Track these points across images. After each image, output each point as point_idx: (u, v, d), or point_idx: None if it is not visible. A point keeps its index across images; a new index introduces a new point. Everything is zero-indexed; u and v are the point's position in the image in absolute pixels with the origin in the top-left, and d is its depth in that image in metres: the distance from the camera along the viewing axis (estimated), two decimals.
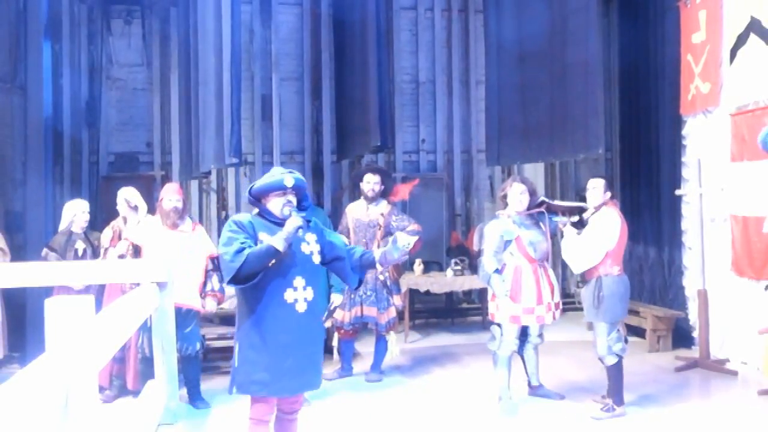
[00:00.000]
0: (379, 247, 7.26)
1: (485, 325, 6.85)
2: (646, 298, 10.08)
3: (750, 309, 7.85)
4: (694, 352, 8.62)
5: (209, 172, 10.30)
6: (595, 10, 8.52)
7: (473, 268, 7.86)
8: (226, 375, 7.78)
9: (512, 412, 6.57)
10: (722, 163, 8.31)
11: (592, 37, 8.55)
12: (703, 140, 8.75)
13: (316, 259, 4.47)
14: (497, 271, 6.54)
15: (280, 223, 4.33)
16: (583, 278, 6.59)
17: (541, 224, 6.73)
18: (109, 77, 11.37)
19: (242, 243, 4.20)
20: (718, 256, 8.42)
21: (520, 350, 6.95)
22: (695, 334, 8.79)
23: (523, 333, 6.85)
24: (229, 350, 7.92)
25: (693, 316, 8.89)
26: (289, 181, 4.38)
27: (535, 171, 12.36)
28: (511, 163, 11.22)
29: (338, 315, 7.64)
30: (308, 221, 4.42)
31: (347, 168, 11.73)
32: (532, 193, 6.80)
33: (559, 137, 9.07)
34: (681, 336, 9.15)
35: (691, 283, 9.00)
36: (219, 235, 10.76)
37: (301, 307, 4.33)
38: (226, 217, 11.43)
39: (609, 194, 6.56)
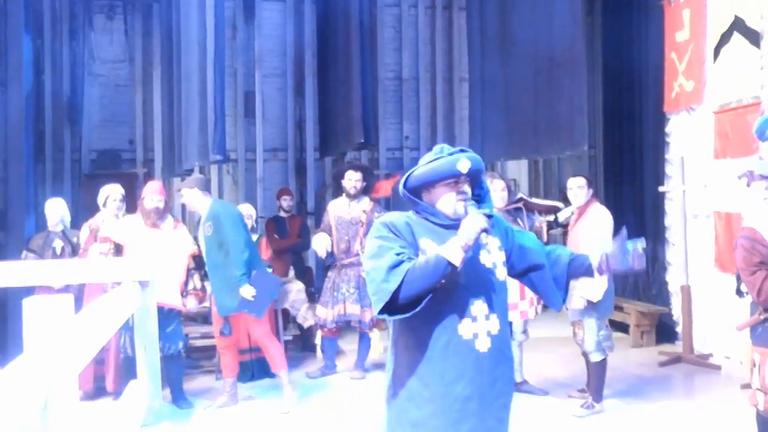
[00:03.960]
0: (361, 245, 7.25)
1: None
2: (629, 294, 10.10)
3: (733, 304, 7.88)
4: (678, 347, 8.66)
5: (192, 170, 10.23)
6: (579, 8, 8.54)
7: None
8: (210, 374, 7.83)
9: None
10: (706, 161, 8.34)
11: (577, 35, 8.57)
12: (687, 137, 8.78)
13: (501, 273, 3.15)
14: None
15: (450, 225, 3.04)
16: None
17: (519, 220, 6.76)
18: (91, 73, 11.30)
19: (398, 254, 2.92)
20: (701, 252, 8.45)
21: None
22: (679, 329, 8.82)
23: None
24: (213, 349, 7.96)
25: (676, 312, 8.93)
26: (464, 165, 3.04)
27: (519, 168, 12.40)
28: (494, 160, 11.21)
29: (321, 313, 7.63)
30: (489, 215, 3.04)
31: (330, 165, 11.70)
32: (510, 190, 6.85)
33: (544, 134, 9.08)
34: (665, 331, 9.19)
35: (674, 279, 9.03)
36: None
37: (483, 345, 3.03)
38: None
39: (591, 191, 6.57)
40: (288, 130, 11.74)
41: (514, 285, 6.49)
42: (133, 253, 6.40)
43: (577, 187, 6.51)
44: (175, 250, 6.62)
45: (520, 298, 6.60)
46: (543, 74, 9.07)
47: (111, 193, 7.09)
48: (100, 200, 7.17)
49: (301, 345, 8.87)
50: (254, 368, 7.61)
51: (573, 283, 6.21)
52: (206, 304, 7.27)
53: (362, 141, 9.31)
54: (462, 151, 3.10)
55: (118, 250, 6.66)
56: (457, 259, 2.82)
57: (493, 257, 3.11)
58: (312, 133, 11.66)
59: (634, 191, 10.19)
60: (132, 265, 5.65)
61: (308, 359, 8.44)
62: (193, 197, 6.56)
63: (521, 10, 9.51)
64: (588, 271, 3.32)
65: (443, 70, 12.29)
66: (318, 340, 8.16)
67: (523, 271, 3.30)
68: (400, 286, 2.82)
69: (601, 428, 6.17)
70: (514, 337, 6.94)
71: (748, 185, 4.86)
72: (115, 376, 6.90)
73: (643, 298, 9.87)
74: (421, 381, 3.02)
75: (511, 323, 6.79)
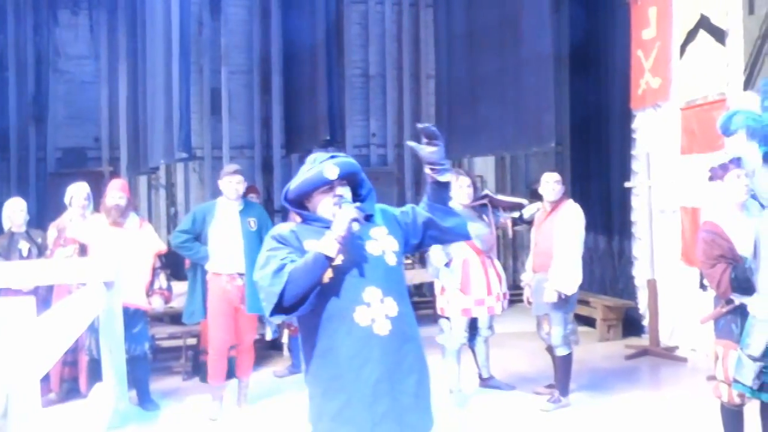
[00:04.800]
0: None
1: (436, 318, 6.86)
2: (596, 289, 10.16)
3: (698, 297, 7.97)
4: (644, 341, 8.76)
5: (158, 168, 10.15)
6: (546, 5, 8.57)
7: (423, 262, 7.91)
8: (177, 375, 7.77)
9: (463, 405, 6.61)
10: (672, 156, 8.43)
11: (544, 32, 8.60)
12: (653, 134, 8.86)
13: (391, 259, 3.27)
14: (446, 264, 6.55)
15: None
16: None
17: (484, 217, 6.79)
18: (56, 70, 11.14)
19: (282, 260, 3.10)
20: (667, 246, 8.54)
21: (471, 343, 6.99)
22: (645, 322, 8.93)
23: (473, 326, 6.88)
24: (179, 350, 7.91)
25: (643, 306, 9.02)
26: (331, 172, 3.21)
27: (486, 164, 12.43)
28: (461, 157, 11.25)
29: None
30: (365, 216, 3.21)
31: (297, 162, 11.63)
32: (475, 186, 6.88)
33: (511, 131, 9.12)
34: (631, 325, 9.28)
35: (640, 273, 9.12)
36: (168, 232, 10.65)
37: (382, 328, 3.14)
38: (176, 214, 11.29)
39: (562, 188, 6.61)
40: (254, 127, 11.67)
41: (480, 281, 6.55)
42: (98, 253, 6.32)
43: (553, 182, 6.55)
44: (140, 248, 6.54)
45: (486, 294, 6.62)
46: (510, 71, 9.09)
47: (75, 192, 7.00)
48: (66, 200, 7.07)
49: (268, 344, 8.82)
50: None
51: (543, 276, 6.32)
52: (173, 304, 7.20)
53: (328, 138, 9.30)
54: (333, 157, 3.28)
55: (83, 250, 6.57)
56: (332, 251, 3.01)
57: (382, 245, 3.25)
58: (279, 130, 11.59)
59: (601, 187, 10.26)
60: (96, 266, 5.58)
61: (275, 358, 8.40)
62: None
63: (488, 6, 9.52)
64: (434, 181, 3.31)
65: (410, 66, 12.26)
66: (285, 339, 8.13)
67: (422, 239, 3.41)
68: (285, 287, 3.00)
69: (568, 422, 6.23)
70: (480, 332, 6.99)
71: (711, 180, 4.93)
72: (86, 377, 6.81)
73: (609, 293, 9.95)
74: (330, 374, 3.16)
75: (477, 319, 6.84)
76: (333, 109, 9.38)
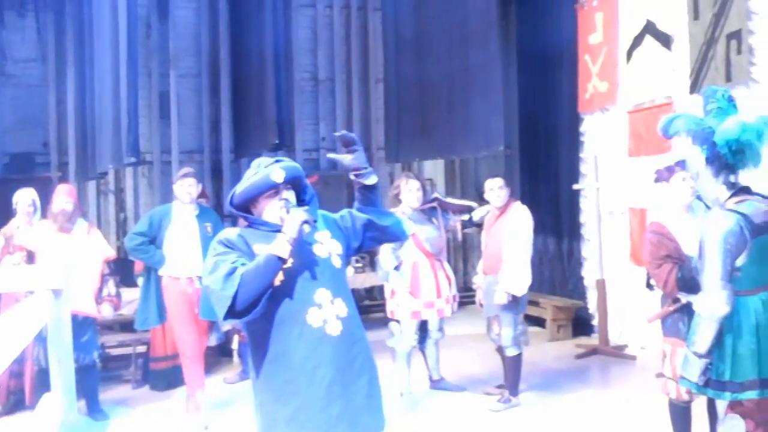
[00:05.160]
0: None
1: (386, 321, 6.88)
2: (546, 289, 10.25)
3: (647, 297, 8.09)
4: (594, 340, 8.87)
5: (106, 173, 10.00)
6: (494, 9, 8.65)
7: (373, 265, 7.95)
8: (127, 384, 7.66)
9: (413, 407, 6.63)
10: (620, 159, 8.55)
11: (492, 35, 8.69)
12: (601, 137, 8.98)
13: (337, 261, 3.33)
14: (396, 267, 6.56)
15: (280, 229, 3.16)
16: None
17: (433, 220, 6.82)
18: (3, 73, 10.90)
19: (233, 263, 3.10)
20: (616, 247, 8.66)
21: (422, 345, 7.02)
22: (595, 322, 9.04)
23: (423, 328, 6.91)
24: (129, 358, 7.78)
25: (592, 306, 9.13)
26: (277, 175, 3.25)
27: (435, 168, 12.47)
28: (410, 160, 11.27)
29: None
30: (314, 219, 3.26)
31: (246, 167, 11.50)
32: (425, 190, 6.91)
33: (460, 135, 9.18)
34: (581, 325, 9.40)
35: (589, 274, 9.24)
36: (118, 238, 10.47)
37: (334, 329, 3.19)
38: (125, 220, 11.13)
39: (509, 191, 6.67)
40: (204, 131, 11.55)
41: (430, 284, 6.58)
42: (45, 260, 6.21)
43: (498, 188, 6.59)
44: (88, 255, 6.44)
45: (436, 296, 6.67)
46: (458, 75, 9.16)
47: (20, 198, 6.86)
48: (14, 206, 6.94)
49: (217, 350, 8.73)
50: (170, 376, 7.45)
51: (493, 278, 6.37)
52: (123, 311, 7.10)
53: (277, 142, 9.26)
54: (278, 161, 3.34)
55: (31, 257, 6.45)
56: (284, 253, 3.06)
57: (327, 248, 3.32)
58: (228, 134, 11.48)
59: (550, 189, 10.36)
60: (44, 273, 5.48)
61: (225, 365, 8.32)
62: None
63: (435, 10, 9.57)
64: (366, 189, 3.39)
65: (359, 70, 12.24)
66: (235, 345, 8.06)
67: (362, 241, 3.47)
68: (237, 290, 3.02)
69: (517, 422, 6.30)
70: (430, 335, 7.02)
71: (656, 182, 5.03)
72: (32, 388, 6.67)
73: (559, 293, 10.05)
74: (283, 378, 3.17)
75: (427, 321, 6.87)
76: (282, 113, 9.36)
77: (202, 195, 9.31)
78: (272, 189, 3.27)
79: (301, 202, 3.34)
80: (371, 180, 3.38)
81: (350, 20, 12.25)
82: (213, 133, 11.58)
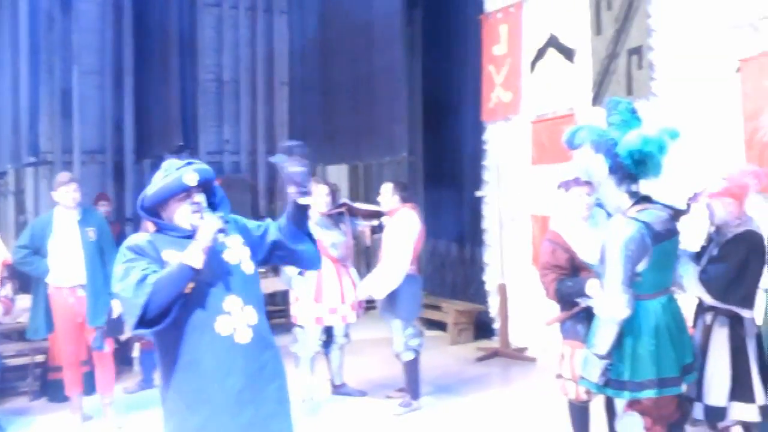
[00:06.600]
0: None
1: (290, 327, 6.87)
2: (448, 294, 10.41)
3: (546, 300, 8.33)
4: (495, 343, 9.05)
5: (5, 173, 9.66)
6: (399, 17, 8.75)
7: (277, 271, 7.94)
8: (24, 396, 7.39)
9: (315, 413, 6.65)
10: (523, 167, 8.76)
11: (396, 43, 8.80)
12: (504, 145, 9.15)
13: (248, 267, 3.29)
14: (300, 273, 6.58)
15: (191, 235, 3.10)
16: None
17: (341, 225, 6.87)
18: None
19: (144, 270, 3.03)
20: (517, 252, 8.85)
21: (326, 350, 7.05)
22: (496, 325, 9.20)
23: (328, 333, 6.94)
24: (26, 368, 7.46)
25: (494, 309, 9.30)
26: (191, 178, 3.18)
27: (339, 173, 12.48)
28: (314, 165, 11.26)
29: None
30: (227, 220, 3.25)
31: (150, 169, 11.26)
32: (333, 194, 6.97)
33: (364, 140, 9.25)
34: (482, 328, 9.55)
35: (491, 278, 9.40)
36: (17, 239, 10.14)
37: (244, 337, 3.16)
38: (25, 222, 10.75)
39: (398, 197, 6.73)
40: (106, 131, 11.24)
41: (334, 290, 6.61)
42: None
43: (386, 193, 6.70)
44: None
45: (340, 302, 6.70)
46: (362, 81, 9.23)
47: None
48: None
49: (117, 359, 8.49)
50: (84, 383, 7.24)
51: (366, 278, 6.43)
52: (21, 319, 6.87)
53: (181, 144, 9.14)
54: (189, 163, 3.26)
55: None
56: (197, 262, 2.99)
57: (238, 254, 3.27)
58: (131, 134, 11.18)
59: (453, 196, 10.46)
60: None
61: (125, 374, 8.00)
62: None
63: (341, 16, 9.62)
64: (294, 204, 3.32)
65: (264, 73, 12.14)
66: (136, 353, 7.87)
67: (268, 257, 3.42)
68: (149, 298, 2.94)
69: (419, 425, 6.39)
70: (335, 340, 7.05)
71: (558, 191, 5.20)
72: None
73: (461, 297, 10.19)
74: (193, 386, 3.13)
75: (332, 327, 6.90)
76: (186, 114, 9.26)
77: (102, 198, 9.15)
78: (184, 192, 3.19)
79: (210, 205, 3.27)
80: (306, 200, 3.34)
81: (255, 21, 12.13)
82: (116, 133, 11.25)
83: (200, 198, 3.19)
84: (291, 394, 3.44)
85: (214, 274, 3.14)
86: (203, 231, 3.04)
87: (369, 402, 6.98)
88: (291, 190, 3.30)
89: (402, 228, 6.57)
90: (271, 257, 3.45)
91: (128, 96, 11.09)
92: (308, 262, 3.56)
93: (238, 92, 12.07)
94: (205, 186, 3.26)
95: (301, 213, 3.37)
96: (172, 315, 3.01)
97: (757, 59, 6.15)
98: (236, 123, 12.04)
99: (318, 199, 6.68)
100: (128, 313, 3.02)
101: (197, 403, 3.13)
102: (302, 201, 3.33)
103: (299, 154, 3.31)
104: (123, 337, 7.77)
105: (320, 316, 6.65)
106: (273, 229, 3.42)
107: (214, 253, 3.11)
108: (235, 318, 3.16)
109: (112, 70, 11.19)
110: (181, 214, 3.21)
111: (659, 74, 7.06)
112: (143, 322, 2.99)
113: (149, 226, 3.45)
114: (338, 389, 7.19)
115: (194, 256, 3.00)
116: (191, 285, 3.04)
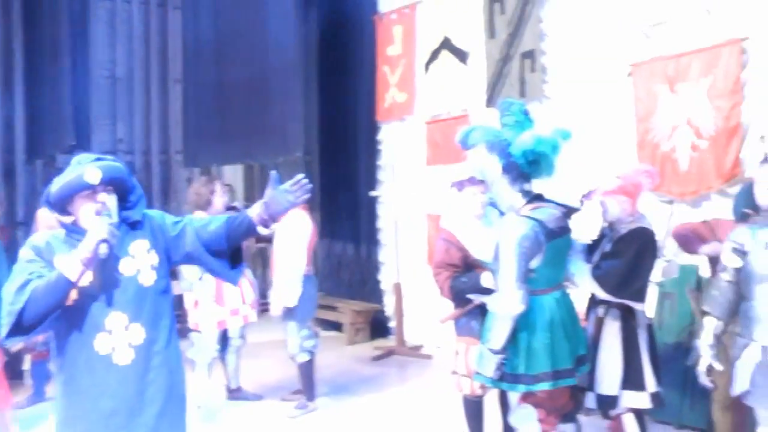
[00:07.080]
0: None
1: (186, 332, 6.75)
2: (344, 293, 10.44)
3: (440, 298, 8.45)
4: (391, 342, 9.15)
5: None
6: (294, 16, 8.72)
7: (175, 275, 7.79)
8: None
9: (211, 419, 6.56)
10: (418, 166, 8.88)
11: (291, 42, 8.77)
12: (399, 145, 9.27)
13: (147, 278, 3.07)
14: (200, 277, 6.49)
15: None
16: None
17: None
18: None
19: (30, 275, 2.85)
20: (412, 251, 8.97)
21: (222, 354, 6.97)
22: (392, 324, 9.31)
23: (224, 336, 6.88)
24: None
25: (389, 308, 9.42)
26: (92, 176, 2.93)
27: (235, 173, 12.35)
28: (209, 165, 11.10)
29: None
30: (131, 223, 3.08)
31: (42, 169, 10.85)
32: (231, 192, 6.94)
33: (258, 140, 9.16)
34: (379, 327, 9.63)
35: (386, 278, 9.52)
36: None
37: (124, 358, 2.99)
38: None
39: None
40: None
41: (234, 291, 6.54)
42: None
43: None
44: None
45: (241, 302, 6.67)
46: (257, 80, 9.15)
47: None
48: None
49: (7, 372, 8.12)
50: None
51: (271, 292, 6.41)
52: None
53: (74, 143, 8.87)
54: (98, 159, 3.05)
55: None
56: (73, 274, 2.80)
57: (138, 263, 3.05)
58: (22, 133, 10.75)
59: (348, 196, 10.50)
60: None
61: (16, 387, 7.63)
62: None
63: (235, 14, 9.50)
64: (250, 227, 3.16)
65: (158, 70, 11.88)
66: (27, 365, 7.54)
67: (181, 260, 3.27)
68: (25, 305, 2.78)
69: (315, 426, 6.40)
70: (231, 342, 6.98)
71: (460, 190, 5.28)
72: None
73: (357, 297, 10.22)
74: (70, 401, 3.01)
75: (226, 330, 6.85)
76: (78, 111, 8.98)
77: None
78: (88, 190, 2.96)
79: (126, 203, 3.08)
80: (264, 231, 3.21)
81: (149, 16, 11.85)
82: (6, 132, 10.77)
83: (106, 198, 2.94)
84: (189, 399, 3.36)
85: (101, 287, 2.94)
86: (86, 239, 2.82)
87: (265, 405, 6.95)
88: (264, 216, 3.16)
89: (293, 230, 6.54)
90: (183, 260, 3.29)
91: (18, 93, 10.63)
92: (221, 277, 3.39)
93: (132, 89, 11.75)
94: (116, 184, 3.02)
95: (249, 235, 3.24)
96: (45, 326, 2.85)
97: (648, 64, 6.41)
98: (130, 121, 11.71)
99: (219, 199, 6.67)
100: (4, 319, 2.84)
101: (73, 419, 3.02)
102: (262, 230, 3.20)
103: (304, 189, 3.24)
104: (14, 349, 7.45)
105: (222, 319, 6.59)
106: (191, 233, 3.20)
107: (108, 262, 2.90)
108: (115, 337, 2.97)
109: (1, 65, 10.72)
110: (85, 214, 2.98)
111: (551, 77, 7.30)
112: (19, 329, 2.82)
113: (41, 224, 3.29)
114: (234, 394, 7.12)
115: (71, 267, 2.80)
116: (74, 296, 2.86)
